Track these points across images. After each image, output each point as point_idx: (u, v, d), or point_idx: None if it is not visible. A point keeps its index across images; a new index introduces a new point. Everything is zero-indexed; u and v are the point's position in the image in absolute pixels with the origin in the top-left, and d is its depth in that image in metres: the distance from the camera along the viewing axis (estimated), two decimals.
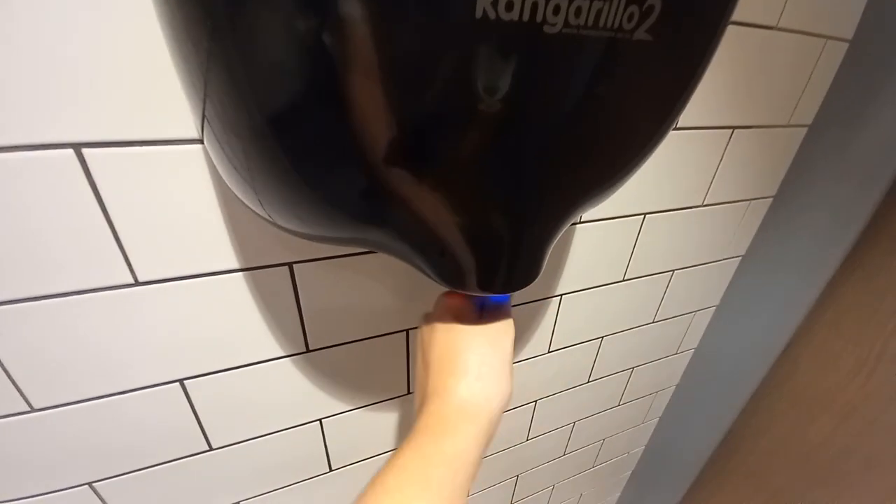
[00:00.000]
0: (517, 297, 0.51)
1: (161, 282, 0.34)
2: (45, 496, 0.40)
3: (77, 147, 0.27)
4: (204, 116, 0.21)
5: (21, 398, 0.35)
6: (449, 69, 0.16)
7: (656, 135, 0.24)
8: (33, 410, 0.35)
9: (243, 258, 0.36)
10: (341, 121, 0.18)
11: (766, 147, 0.57)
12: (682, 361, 0.84)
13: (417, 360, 0.32)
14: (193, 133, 0.30)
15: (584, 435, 0.83)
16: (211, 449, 0.45)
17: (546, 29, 0.15)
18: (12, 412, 0.35)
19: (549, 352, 0.62)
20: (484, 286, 0.26)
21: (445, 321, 0.29)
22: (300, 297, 0.39)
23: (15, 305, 0.31)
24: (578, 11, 0.15)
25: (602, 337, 0.66)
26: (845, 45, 0.52)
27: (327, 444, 0.52)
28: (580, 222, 0.50)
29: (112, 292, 0.33)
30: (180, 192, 0.31)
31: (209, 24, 0.16)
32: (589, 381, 0.72)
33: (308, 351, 0.43)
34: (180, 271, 0.34)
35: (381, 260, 0.41)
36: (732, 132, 0.52)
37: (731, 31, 0.44)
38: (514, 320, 0.31)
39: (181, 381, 0.39)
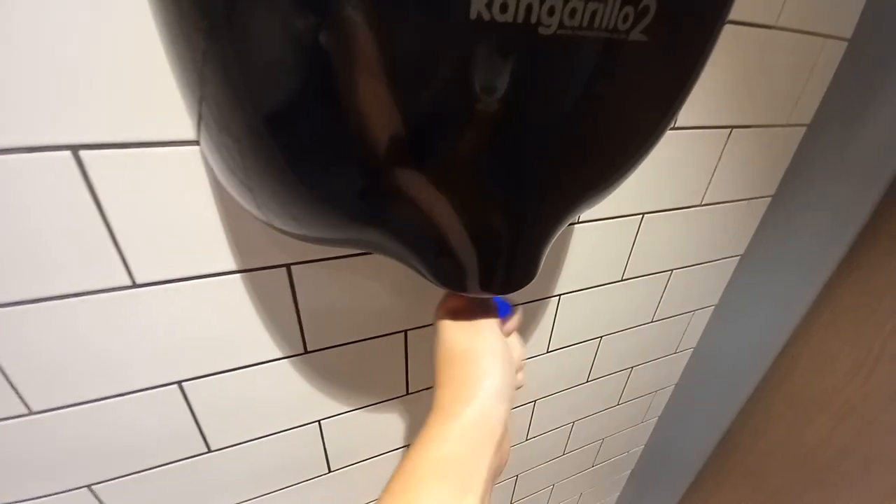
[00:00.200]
0: (515, 297, 0.51)
1: (159, 283, 0.34)
2: (44, 499, 0.40)
3: (74, 149, 0.27)
4: (200, 118, 0.21)
5: (19, 400, 0.34)
6: (444, 70, 0.16)
7: (653, 135, 0.24)
8: (31, 413, 0.35)
9: (241, 260, 0.36)
10: (337, 121, 0.18)
11: (764, 146, 0.57)
12: (681, 361, 0.84)
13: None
14: (190, 135, 0.30)
15: (583, 434, 0.83)
16: (210, 451, 0.45)
17: (541, 30, 0.15)
18: (10, 415, 0.35)
19: (547, 352, 0.62)
20: (480, 287, 0.26)
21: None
22: (298, 298, 0.39)
23: (12, 308, 0.31)
24: (573, 13, 0.15)
25: (601, 337, 0.66)
26: (844, 45, 0.52)
27: (326, 445, 0.52)
28: (579, 222, 0.50)
29: (109, 294, 0.33)
30: (177, 193, 0.31)
31: (205, 24, 0.16)
32: (588, 381, 0.72)
33: (306, 352, 0.43)
34: (178, 273, 0.34)
35: (379, 261, 0.41)
36: (731, 132, 0.52)
37: (729, 30, 0.44)
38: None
39: (179, 383, 0.39)
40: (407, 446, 0.60)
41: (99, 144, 0.28)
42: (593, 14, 0.15)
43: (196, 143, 0.30)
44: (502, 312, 0.32)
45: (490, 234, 0.24)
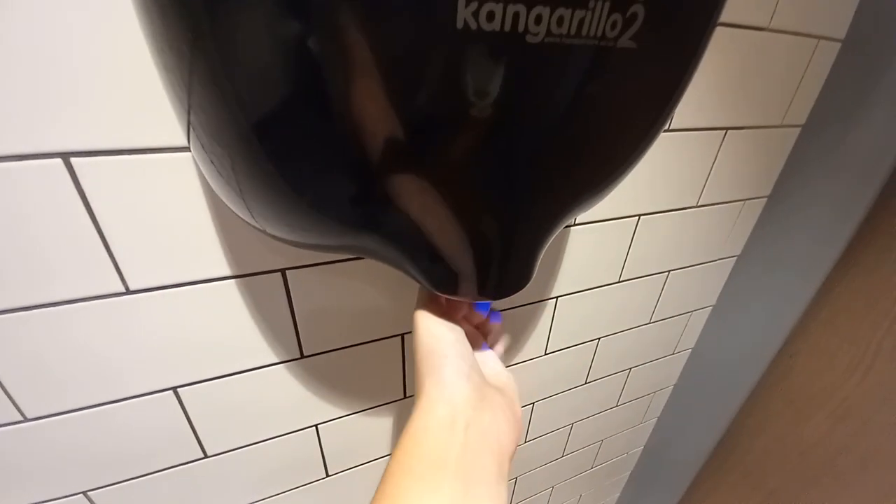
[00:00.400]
0: (512, 300, 0.51)
1: (153, 290, 0.34)
2: None
3: (65, 156, 0.27)
4: (189, 126, 0.21)
5: (14, 407, 0.34)
6: (432, 79, 0.16)
7: (645, 139, 0.24)
8: (26, 420, 0.35)
9: (235, 265, 0.36)
10: (326, 129, 0.18)
11: (759, 147, 0.57)
12: (680, 362, 0.84)
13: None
14: (183, 141, 0.30)
15: (582, 436, 0.83)
16: (206, 456, 0.45)
17: (528, 38, 0.15)
18: (5, 422, 0.35)
19: (545, 354, 0.62)
20: (475, 291, 0.26)
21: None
22: (293, 303, 0.39)
23: (5, 315, 0.31)
24: (561, 20, 0.15)
25: (599, 338, 0.66)
26: (837, 45, 0.52)
27: (324, 449, 0.52)
28: (575, 224, 0.50)
29: (103, 301, 0.33)
30: (170, 199, 0.31)
31: (190, 33, 0.16)
32: (586, 383, 0.72)
33: (302, 357, 0.43)
34: (172, 279, 0.34)
35: (375, 265, 0.41)
36: (726, 133, 0.52)
37: (722, 32, 0.44)
38: (502, 327, 0.31)
39: (175, 388, 0.39)
40: None
41: (90, 151, 0.28)
42: (581, 22, 0.15)
43: (188, 149, 0.30)
44: (482, 308, 0.32)
45: (483, 239, 0.24)
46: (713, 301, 0.76)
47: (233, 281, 0.36)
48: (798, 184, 0.61)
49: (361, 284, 0.42)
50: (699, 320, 0.78)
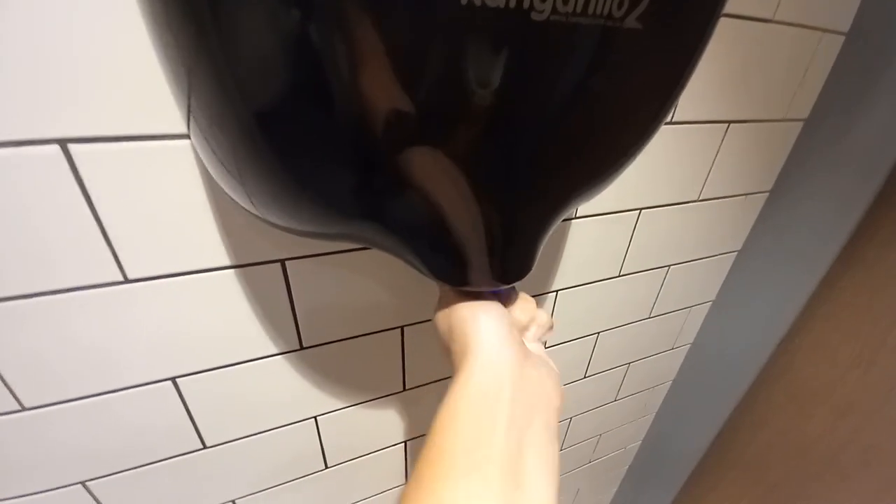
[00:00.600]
0: None
1: (151, 279, 0.34)
2: (38, 495, 0.40)
3: (63, 143, 0.27)
4: (189, 110, 0.21)
5: (12, 397, 0.34)
6: (435, 57, 0.16)
7: (649, 127, 0.23)
8: (24, 409, 0.35)
9: (235, 255, 0.35)
10: (327, 113, 0.18)
11: (762, 141, 0.57)
12: (679, 356, 0.84)
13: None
14: (181, 128, 0.29)
15: (581, 430, 0.83)
16: (205, 447, 0.45)
17: (533, 16, 0.15)
18: (3, 411, 0.35)
19: (545, 347, 0.61)
20: (476, 280, 0.26)
21: None
22: (293, 293, 0.39)
23: (1, 304, 0.30)
24: None
25: (598, 332, 0.66)
26: (842, 38, 0.52)
27: (323, 441, 0.52)
28: (575, 217, 0.50)
29: (101, 290, 0.32)
30: (169, 187, 0.31)
31: (193, 18, 0.16)
32: (585, 377, 0.72)
33: (302, 348, 0.43)
34: (171, 268, 0.34)
35: (375, 256, 0.40)
36: (728, 126, 0.52)
37: (726, 23, 0.43)
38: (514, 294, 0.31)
39: (173, 379, 0.39)
40: (404, 442, 0.60)
41: (88, 138, 0.27)
42: (587, 0, 0.15)
43: (187, 136, 0.30)
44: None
45: (485, 226, 0.23)
46: (713, 296, 0.76)
47: (232, 271, 0.36)
48: (800, 178, 0.60)
49: (362, 276, 0.41)
50: (699, 315, 0.78)
